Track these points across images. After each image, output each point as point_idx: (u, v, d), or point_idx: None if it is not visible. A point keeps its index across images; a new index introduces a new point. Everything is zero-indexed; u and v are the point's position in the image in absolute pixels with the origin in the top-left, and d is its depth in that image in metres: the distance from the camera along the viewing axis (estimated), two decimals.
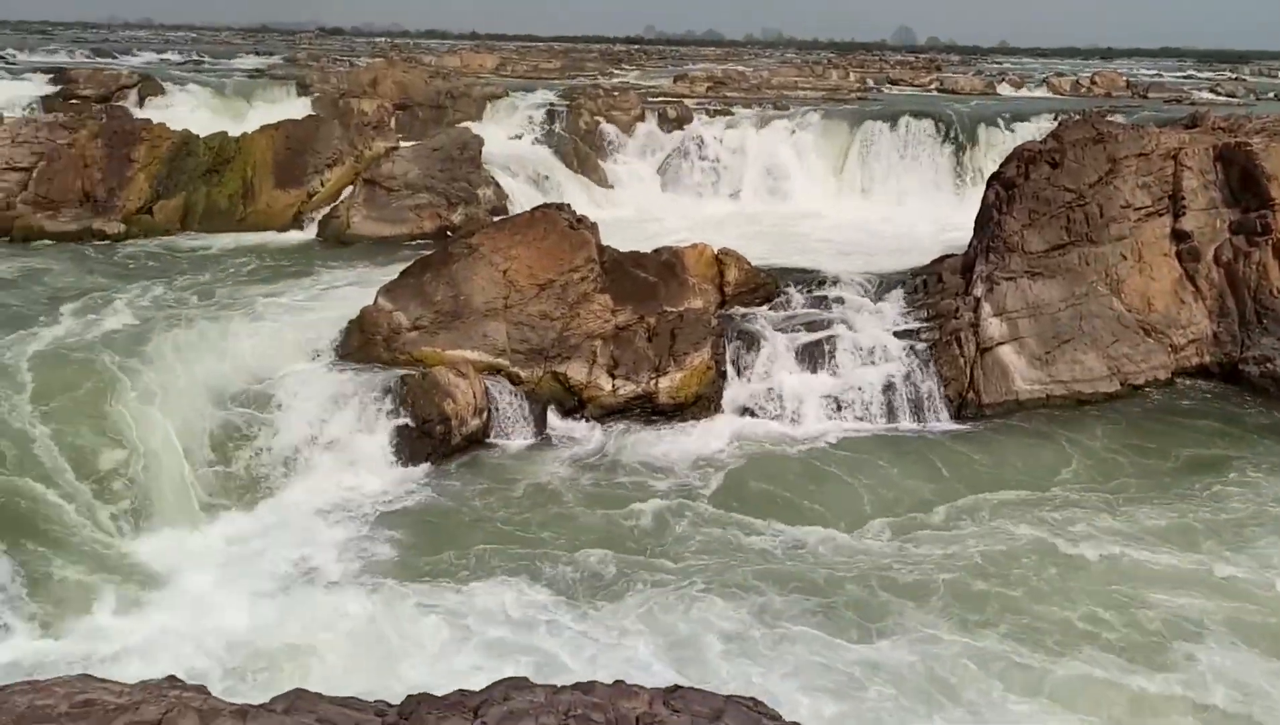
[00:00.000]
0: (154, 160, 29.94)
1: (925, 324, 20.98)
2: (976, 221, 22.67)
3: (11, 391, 15.57)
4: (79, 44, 77.77)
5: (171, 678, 6.33)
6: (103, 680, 5.93)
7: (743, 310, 21.74)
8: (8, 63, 49.79)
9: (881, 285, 22.70)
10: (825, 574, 13.84)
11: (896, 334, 20.75)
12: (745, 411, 19.37)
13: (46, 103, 36.15)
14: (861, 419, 19.31)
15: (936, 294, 21.72)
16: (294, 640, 12.03)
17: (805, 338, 20.50)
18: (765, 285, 22.53)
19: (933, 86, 59.15)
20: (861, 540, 14.93)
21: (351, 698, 6.78)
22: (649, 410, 19.06)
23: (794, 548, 14.62)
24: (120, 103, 37.15)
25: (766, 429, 18.91)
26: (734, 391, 19.61)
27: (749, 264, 22.58)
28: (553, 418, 18.80)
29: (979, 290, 20.79)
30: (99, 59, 58.74)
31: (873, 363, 20.07)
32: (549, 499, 16.02)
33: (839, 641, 12.32)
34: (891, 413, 19.44)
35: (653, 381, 19.11)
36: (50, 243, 27.41)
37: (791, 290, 22.56)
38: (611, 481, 16.72)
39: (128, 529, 13.96)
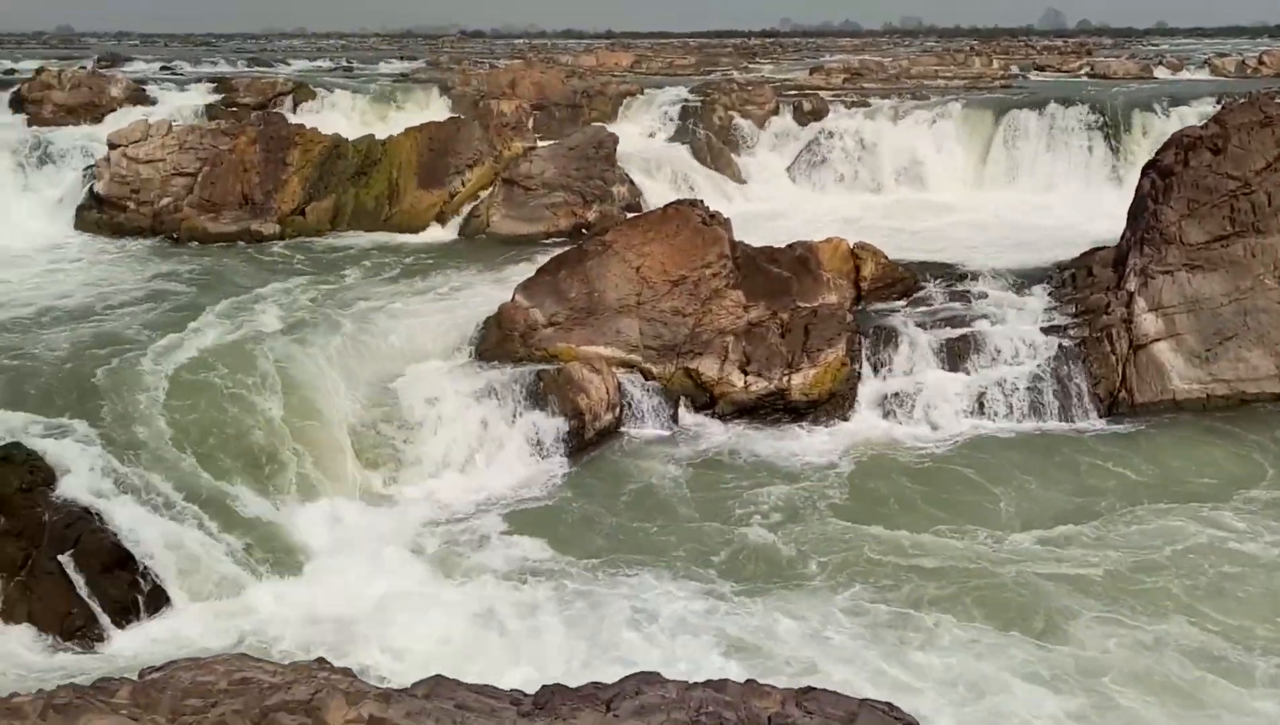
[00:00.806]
0: (306, 164, 31.39)
1: (1073, 320, 20.09)
2: (1130, 212, 21.54)
3: (178, 380, 16.58)
4: (239, 54, 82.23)
5: (321, 659, 6.62)
6: (258, 660, 6.26)
7: (880, 305, 21.29)
8: (175, 74, 53.05)
9: (1027, 279, 21.86)
10: (978, 574, 13.38)
11: (1043, 330, 19.94)
12: (881, 409, 18.95)
13: (210, 111, 38.31)
14: (1005, 418, 18.64)
15: (1086, 288, 20.76)
16: (435, 627, 12.40)
17: (946, 334, 19.92)
18: (903, 280, 22.00)
19: (1082, 72, 56.55)
20: (1011, 540, 14.39)
21: (488, 685, 6.94)
22: (781, 407, 18.87)
23: (939, 547, 14.22)
24: (276, 109, 39.04)
25: (904, 427, 18.48)
26: (870, 389, 19.21)
27: (886, 258, 22.10)
28: (684, 413, 18.85)
29: (1132, 284, 19.76)
30: (257, 68, 61.98)
31: (1017, 360, 19.35)
32: (682, 494, 16.05)
33: (1014, 634, 11.97)
34: (1037, 412, 18.70)
35: (785, 378, 18.91)
36: (212, 243, 29.08)
37: (931, 285, 21.96)
38: (744, 478, 16.63)
39: (277, 515, 14.63)
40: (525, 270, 21.65)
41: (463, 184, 31.79)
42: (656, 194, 31.05)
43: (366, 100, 40.89)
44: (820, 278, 20.24)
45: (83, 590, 12.67)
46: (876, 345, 19.79)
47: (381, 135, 32.85)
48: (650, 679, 6.70)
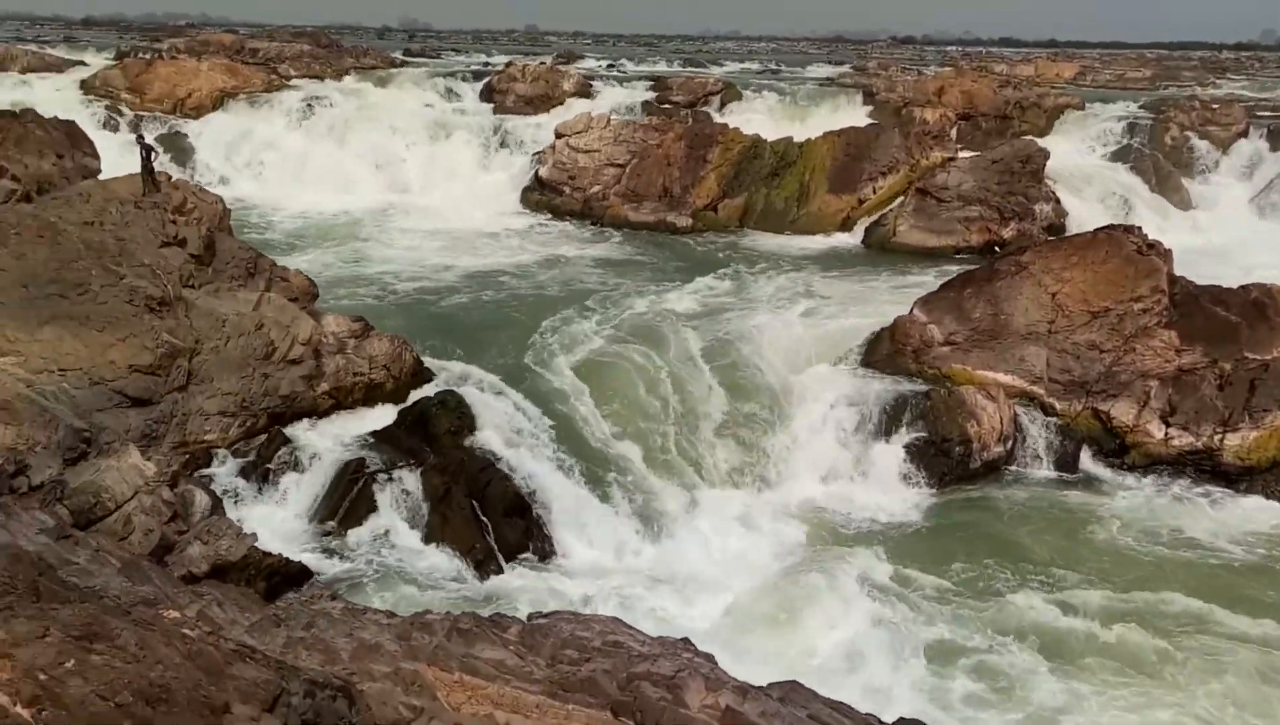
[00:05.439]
0: (724, 162, 32.63)
1: None
2: None
3: (593, 352, 17.95)
4: (677, 54, 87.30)
5: (685, 640, 6.80)
6: (630, 627, 6.57)
7: None
8: (619, 71, 57.40)
9: None
10: None
11: None
12: None
13: (646, 107, 40.94)
14: None
15: None
16: (787, 626, 12.35)
17: None
18: None
19: None
20: None
21: (842, 703, 6.75)
22: (1207, 470, 16.61)
23: None
24: (703, 108, 40.91)
25: None
26: None
27: None
28: (1086, 458, 17.23)
29: None
30: (690, 68, 65.32)
31: None
32: (1074, 551, 14.52)
33: None
34: None
35: (1217, 437, 16.62)
36: (631, 230, 31.18)
37: None
38: (1150, 544, 14.74)
39: (660, 489, 15.32)
40: (927, 284, 20.93)
41: (874, 191, 31.42)
42: (1085, 216, 28.69)
43: (789, 102, 41.59)
44: (1279, 327, 17.55)
45: (486, 528, 14.13)
46: None
47: (800, 137, 33.31)
48: None
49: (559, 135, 34.44)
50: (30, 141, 20.03)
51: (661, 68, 64.62)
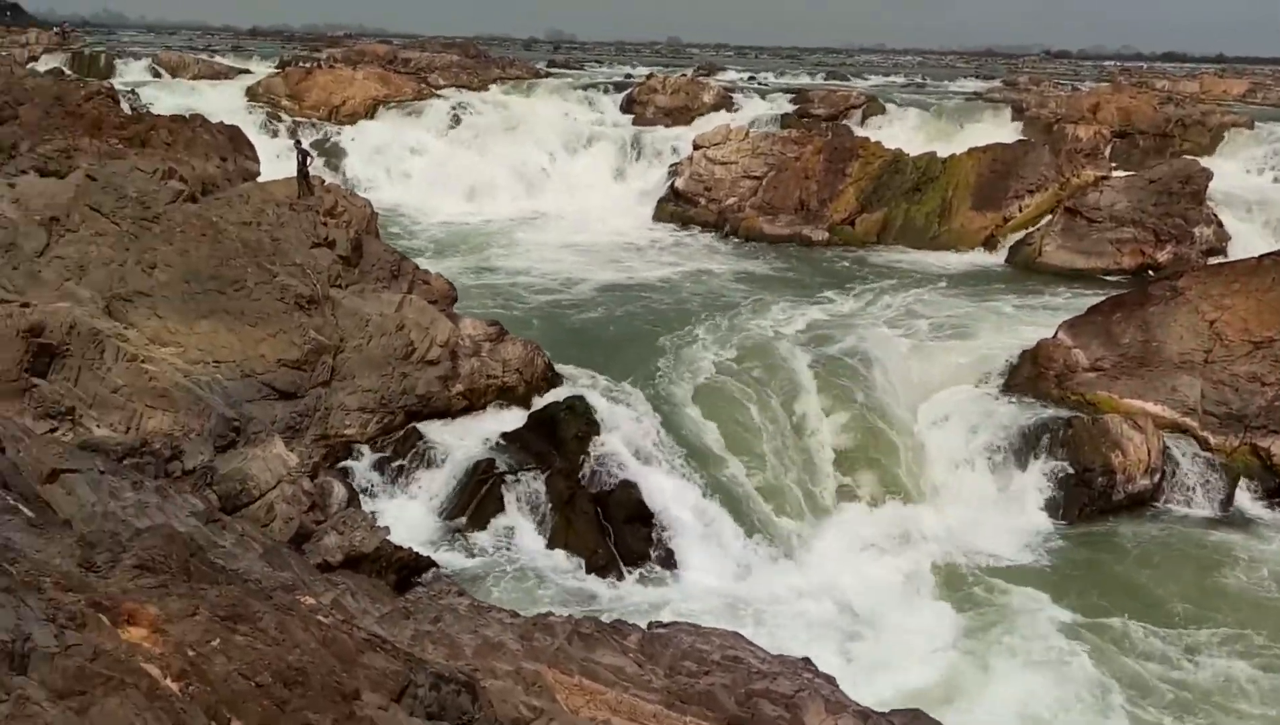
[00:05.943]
0: (864, 176, 32.11)
1: None
2: None
3: (722, 367, 17.91)
4: (819, 67, 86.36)
5: (806, 660, 6.69)
6: (750, 643, 6.51)
7: None
8: (760, 83, 57.20)
9: None
10: None
11: None
12: None
13: (785, 120, 40.66)
14: None
15: None
16: (915, 650, 12.02)
17: None
18: None
19: None
20: None
21: None
22: None
23: None
24: (844, 121, 40.37)
25: None
26: None
27: None
28: (1242, 496, 16.21)
29: None
30: (832, 81, 64.53)
31: None
32: (1226, 592, 13.63)
33: None
34: None
35: None
36: (766, 242, 30.98)
37: None
38: None
39: (782, 508, 15.14)
40: (1073, 306, 20.09)
41: (1020, 209, 30.40)
42: (1250, 241, 27.07)
43: (933, 117, 40.62)
44: None
45: (609, 534, 14.24)
46: None
47: (943, 153, 32.51)
48: None
49: (697, 147, 34.55)
50: (198, 145, 21.34)
51: (803, 80, 64.02)
